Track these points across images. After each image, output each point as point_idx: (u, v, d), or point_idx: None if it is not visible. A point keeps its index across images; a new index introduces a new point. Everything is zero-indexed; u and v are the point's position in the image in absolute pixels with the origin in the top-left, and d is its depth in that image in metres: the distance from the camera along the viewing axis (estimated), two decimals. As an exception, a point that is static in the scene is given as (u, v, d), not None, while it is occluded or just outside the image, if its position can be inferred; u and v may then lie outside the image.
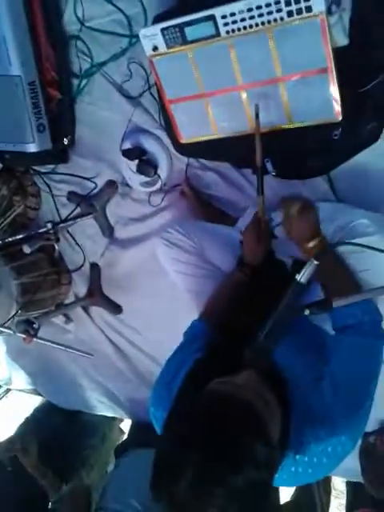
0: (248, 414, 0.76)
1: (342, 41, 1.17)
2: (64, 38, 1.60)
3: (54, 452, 1.89)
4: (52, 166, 1.81)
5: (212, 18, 1.18)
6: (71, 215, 1.73)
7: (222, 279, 1.30)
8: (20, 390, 2.43)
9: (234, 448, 0.72)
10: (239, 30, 1.18)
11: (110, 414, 2.18)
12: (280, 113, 1.28)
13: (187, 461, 0.71)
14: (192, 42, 1.24)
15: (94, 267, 1.91)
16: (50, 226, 1.51)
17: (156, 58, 1.31)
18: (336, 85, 1.18)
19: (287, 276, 1.26)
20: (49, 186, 1.85)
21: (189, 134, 1.45)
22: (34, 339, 1.56)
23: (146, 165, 1.59)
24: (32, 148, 1.60)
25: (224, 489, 0.70)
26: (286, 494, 1.89)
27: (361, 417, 0.90)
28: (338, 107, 1.21)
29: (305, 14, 1.10)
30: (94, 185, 1.74)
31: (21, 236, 1.61)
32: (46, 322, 1.85)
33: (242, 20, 1.16)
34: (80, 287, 1.99)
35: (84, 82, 1.64)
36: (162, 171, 1.63)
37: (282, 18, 1.12)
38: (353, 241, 1.06)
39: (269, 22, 1.14)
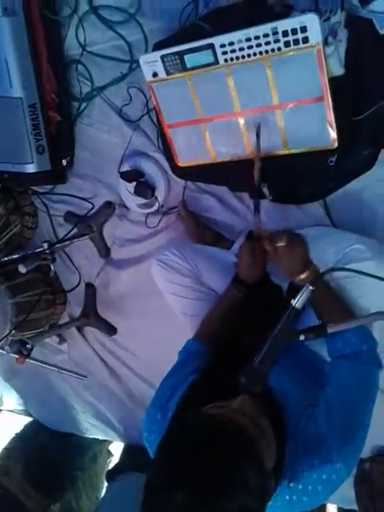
0: (242, 441, 0.75)
1: (338, 71, 1.19)
2: (65, 62, 1.63)
3: (42, 472, 1.86)
4: (50, 187, 1.82)
5: (211, 46, 1.21)
6: (68, 235, 1.73)
7: (217, 298, 1.29)
8: (11, 411, 2.39)
9: (227, 475, 0.70)
10: (237, 58, 1.20)
11: (102, 437, 2.14)
12: (277, 139, 1.30)
13: (179, 487, 0.69)
14: (191, 69, 1.26)
15: (90, 287, 1.90)
16: (46, 245, 1.50)
17: (155, 83, 1.33)
18: (332, 113, 1.20)
19: (283, 300, 1.26)
20: (46, 206, 1.86)
21: (186, 158, 1.47)
22: (27, 360, 1.54)
23: (144, 187, 1.60)
24: (31, 169, 1.62)
25: None
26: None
27: (356, 444, 0.89)
28: (333, 134, 1.23)
29: (302, 45, 1.13)
30: (91, 205, 1.75)
31: (17, 255, 1.60)
32: (40, 343, 1.83)
33: (241, 49, 1.18)
34: (75, 307, 1.98)
35: (84, 104, 1.66)
36: (160, 193, 1.64)
37: (279, 48, 1.15)
38: (347, 266, 1.07)
39: (266, 51, 1.16)
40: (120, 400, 2.01)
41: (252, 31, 1.15)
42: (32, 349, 1.56)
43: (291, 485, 0.84)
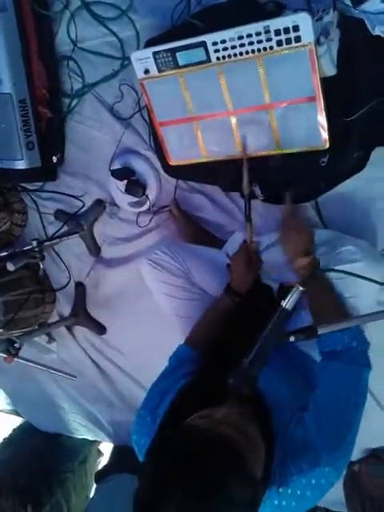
0: (227, 453, 0.74)
1: (330, 71, 1.19)
2: (56, 58, 1.61)
3: (30, 474, 1.84)
4: (40, 184, 1.81)
5: (203, 44, 1.20)
6: (57, 233, 1.72)
7: (208, 304, 1.28)
8: (-1, 411, 2.37)
9: (215, 487, 0.70)
10: (229, 56, 1.19)
11: (91, 438, 2.13)
12: (268, 139, 1.29)
13: (168, 499, 0.69)
14: (183, 66, 1.25)
15: (79, 286, 1.89)
16: (35, 243, 1.48)
17: (147, 81, 1.32)
18: (323, 113, 1.20)
19: (273, 301, 1.26)
20: (36, 203, 1.84)
21: (178, 157, 1.46)
22: (15, 359, 1.53)
23: (135, 185, 1.59)
24: (20, 165, 1.60)
25: None
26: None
27: (345, 448, 0.88)
28: (325, 135, 1.23)
29: (294, 44, 1.12)
30: (81, 203, 1.73)
31: (5, 253, 1.58)
32: (29, 342, 1.81)
33: (233, 47, 1.18)
34: (64, 306, 1.96)
35: (75, 101, 1.65)
36: (151, 192, 1.63)
37: (271, 47, 1.14)
38: (339, 267, 1.06)
39: (258, 50, 1.16)
40: (109, 400, 2.00)
41: (244, 29, 1.14)
42: (20, 348, 1.54)
43: (280, 490, 0.84)
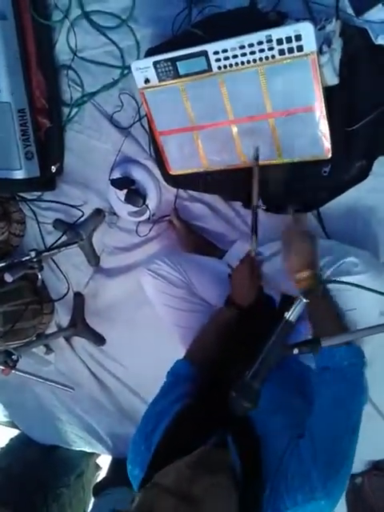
0: None
1: (332, 80, 1.18)
2: (56, 67, 1.61)
3: (25, 488, 1.81)
4: (39, 193, 1.79)
5: (204, 53, 1.19)
6: (56, 243, 1.70)
7: (209, 317, 1.26)
8: (-4, 423, 2.34)
9: None
10: (231, 66, 1.19)
11: (89, 450, 2.10)
12: (270, 148, 1.28)
13: None
14: (184, 76, 1.25)
15: (78, 296, 1.87)
16: (33, 254, 1.46)
17: (147, 90, 1.31)
18: (326, 123, 1.19)
19: (275, 313, 1.24)
20: (34, 213, 1.82)
21: (178, 166, 1.45)
22: (13, 371, 1.50)
23: (135, 195, 1.58)
24: (19, 175, 1.59)
25: None
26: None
27: (340, 478, 0.84)
28: (327, 144, 1.22)
29: (296, 53, 1.11)
30: (81, 213, 1.72)
31: (3, 264, 1.56)
32: (26, 353, 1.79)
33: (234, 57, 1.17)
34: (63, 317, 1.94)
35: (74, 110, 1.64)
36: (151, 201, 1.61)
37: (273, 56, 1.14)
38: (342, 279, 1.05)
39: (260, 59, 1.15)
40: (108, 412, 1.97)
41: (246, 39, 1.13)
42: (18, 360, 1.52)
43: None
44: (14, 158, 1.56)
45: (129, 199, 1.58)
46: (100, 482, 2.00)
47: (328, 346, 0.88)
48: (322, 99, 1.16)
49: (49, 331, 1.95)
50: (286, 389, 1.09)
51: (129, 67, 1.45)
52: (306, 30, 1.08)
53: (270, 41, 1.12)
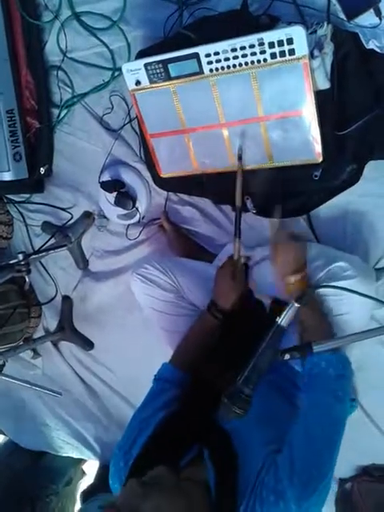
0: None
1: (324, 84, 1.18)
2: (45, 68, 1.59)
3: (9, 498, 1.78)
4: (27, 195, 1.77)
5: (196, 55, 1.18)
6: (45, 246, 1.68)
7: (192, 322, 1.24)
8: (-19, 428, 2.30)
9: None
10: (222, 68, 1.18)
11: (76, 456, 2.07)
12: (261, 152, 1.27)
13: None
14: (175, 78, 1.24)
15: (66, 300, 1.85)
16: (21, 257, 1.44)
17: (138, 92, 1.30)
18: (317, 127, 1.19)
19: (264, 318, 1.23)
20: (22, 215, 1.80)
21: (169, 169, 1.43)
22: (-1, 376, 1.48)
23: (125, 197, 1.56)
24: (7, 176, 1.57)
25: None
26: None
27: (317, 497, 0.82)
28: (318, 148, 1.22)
29: (288, 57, 1.11)
30: (69, 216, 1.70)
31: (-11, 267, 1.54)
32: (13, 357, 1.76)
33: (226, 59, 1.16)
34: (50, 321, 1.91)
35: (64, 112, 1.62)
36: (141, 204, 1.60)
37: (265, 60, 1.13)
38: (332, 284, 1.04)
39: (252, 62, 1.14)
40: (96, 417, 1.95)
41: (238, 41, 1.13)
42: (4, 364, 1.50)
43: None
44: (2, 160, 1.54)
45: (118, 202, 1.57)
46: (88, 488, 1.98)
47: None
48: (314, 103, 1.16)
49: (36, 335, 1.93)
50: (270, 397, 1.08)
51: (119, 69, 1.44)
52: (298, 33, 1.07)
53: (261, 44, 1.11)
